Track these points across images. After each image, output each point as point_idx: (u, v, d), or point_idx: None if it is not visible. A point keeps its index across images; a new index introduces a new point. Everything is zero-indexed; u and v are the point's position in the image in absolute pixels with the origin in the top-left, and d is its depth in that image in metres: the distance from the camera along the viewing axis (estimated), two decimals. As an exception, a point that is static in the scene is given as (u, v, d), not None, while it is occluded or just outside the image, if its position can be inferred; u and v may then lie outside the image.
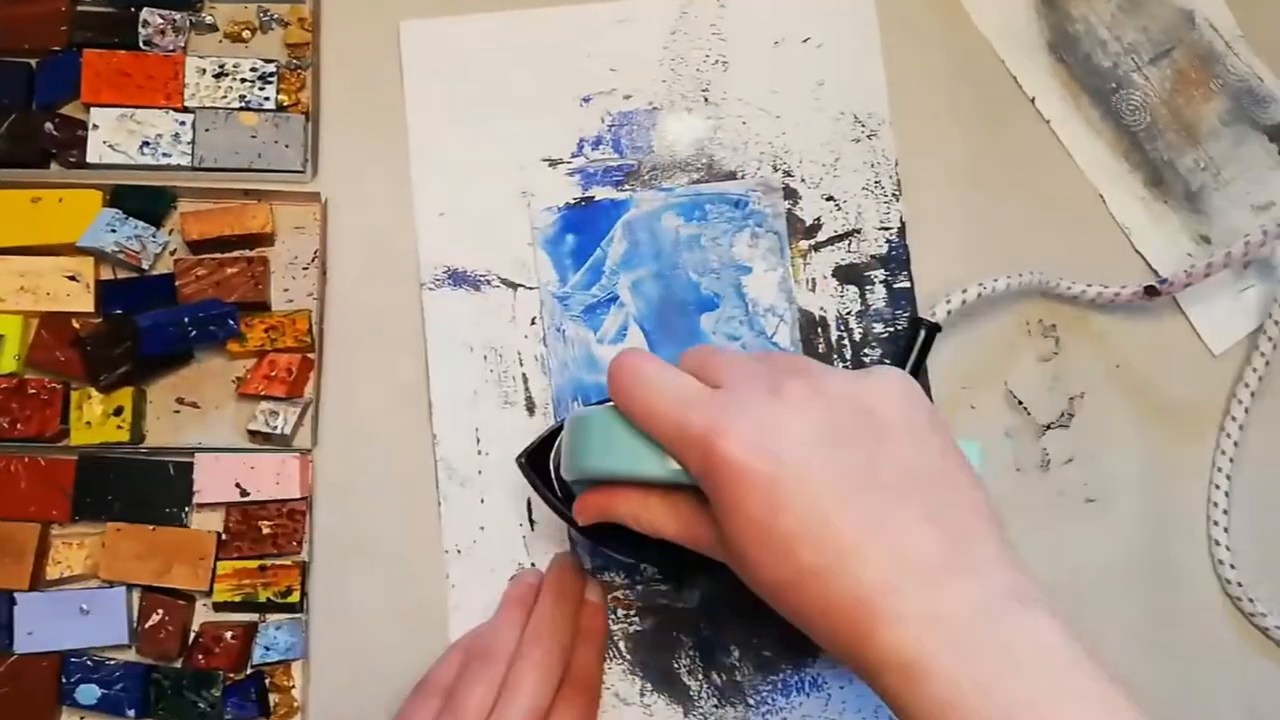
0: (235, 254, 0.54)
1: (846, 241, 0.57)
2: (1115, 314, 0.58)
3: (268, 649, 0.52)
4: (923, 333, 0.54)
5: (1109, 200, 0.58)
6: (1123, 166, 0.58)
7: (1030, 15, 0.59)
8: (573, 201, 0.56)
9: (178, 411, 0.53)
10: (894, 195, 0.57)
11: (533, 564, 0.54)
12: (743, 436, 0.35)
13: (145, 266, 0.54)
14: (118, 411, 0.52)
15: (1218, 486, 0.56)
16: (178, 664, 0.51)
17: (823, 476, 0.34)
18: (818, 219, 0.57)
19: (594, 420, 0.41)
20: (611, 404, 0.41)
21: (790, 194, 0.57)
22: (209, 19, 0.56)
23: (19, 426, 0.52)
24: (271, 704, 0.52)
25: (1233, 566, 0.56)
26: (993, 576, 0.34)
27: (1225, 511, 0.56)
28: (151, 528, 0.52)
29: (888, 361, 0.56)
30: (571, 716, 0.48)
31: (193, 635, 0.52)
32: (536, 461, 0.48)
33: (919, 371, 0.55)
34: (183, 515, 0.52)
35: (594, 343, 0.55)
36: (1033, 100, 0.58)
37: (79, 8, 0.56)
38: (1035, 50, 0.59)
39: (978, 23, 0.59)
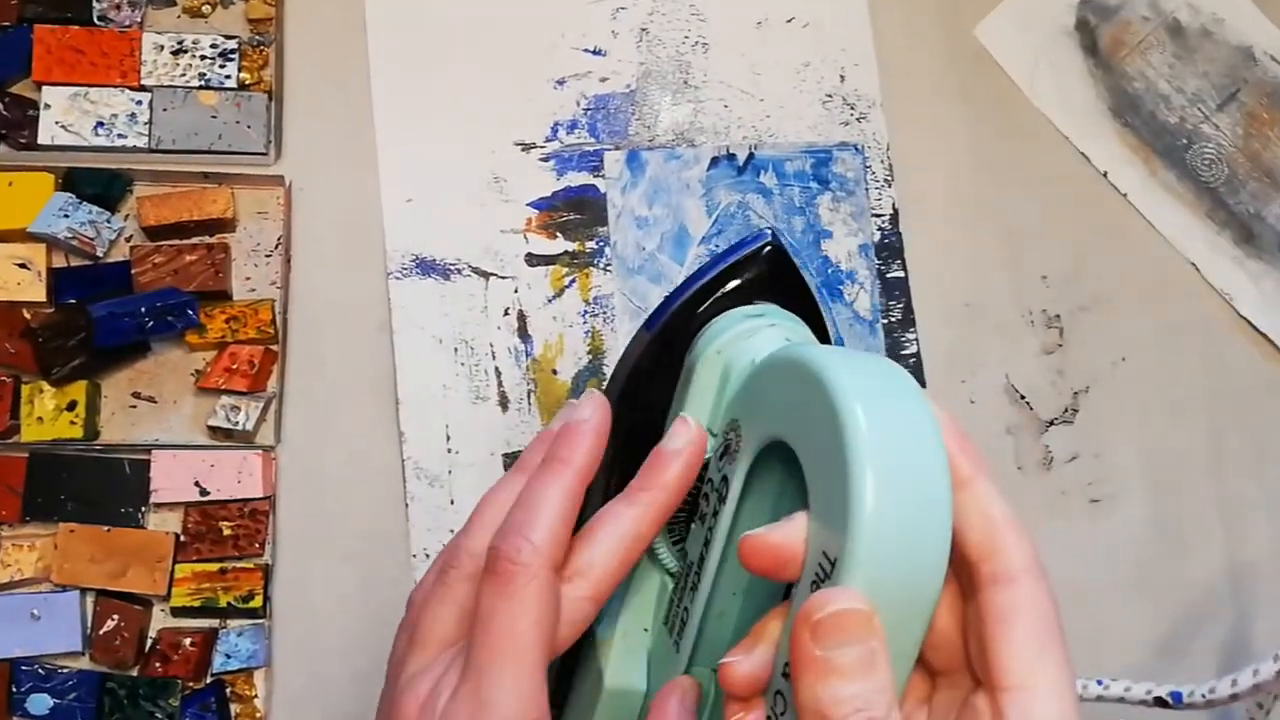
0: (194, 240, 0.53)
1: None
2: (1122, 304, 0.57)
3: (229, 656, 0.50)
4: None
5: (1203, 267, 0.57)
6: (1209, 228, 0.57)
7: (1086, 82, 0.57)
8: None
9: (134, 406, 0.52)
10: (886, 180, 0.56)
11: None
12: None
13: (100, 253, 0.52)
14: (71, 406, 0.51)
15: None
16: (134, 672, 0.50)
17: None
18: None
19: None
20: None
21: None
22: (167, -7, 0.55)
23: (-34, 422, 0.50)
24: (233, 714, 0.50)
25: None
26: None
27: None
28: (106, 529, 0.50)
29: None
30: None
31: (149, 642, 0.50)
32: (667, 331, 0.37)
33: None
34: (139, 516, 0.51)
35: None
36: (1105, 174, 0.57)
37: (30, -19, 0.54)
38: (1098, 118, 0.57)
39: (1036, 102, 0.57)
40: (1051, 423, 0.56)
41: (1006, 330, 0.56)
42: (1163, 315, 0.57)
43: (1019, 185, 0.57)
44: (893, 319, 0.55)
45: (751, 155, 0.55)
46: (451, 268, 0.54)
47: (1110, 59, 0.57)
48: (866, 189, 0.55)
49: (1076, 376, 0.56)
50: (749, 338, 0.35)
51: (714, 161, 0.55)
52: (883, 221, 0.56)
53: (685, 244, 0.54)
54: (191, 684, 0.50)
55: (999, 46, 0.57)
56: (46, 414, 0.50)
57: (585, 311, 0.54)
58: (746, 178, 0.55)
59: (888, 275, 0.55)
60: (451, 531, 0.52)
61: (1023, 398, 0.56)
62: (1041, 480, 0.55)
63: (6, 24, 0.53)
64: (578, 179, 0.55)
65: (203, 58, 0.54)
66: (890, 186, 0.56)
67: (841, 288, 0.54)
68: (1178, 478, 0.56)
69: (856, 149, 0.55)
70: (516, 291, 0.54)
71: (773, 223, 0.54)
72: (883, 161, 0.56)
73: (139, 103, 0.53)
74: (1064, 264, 0.57)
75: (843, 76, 0.57)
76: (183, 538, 0.51)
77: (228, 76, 0.54)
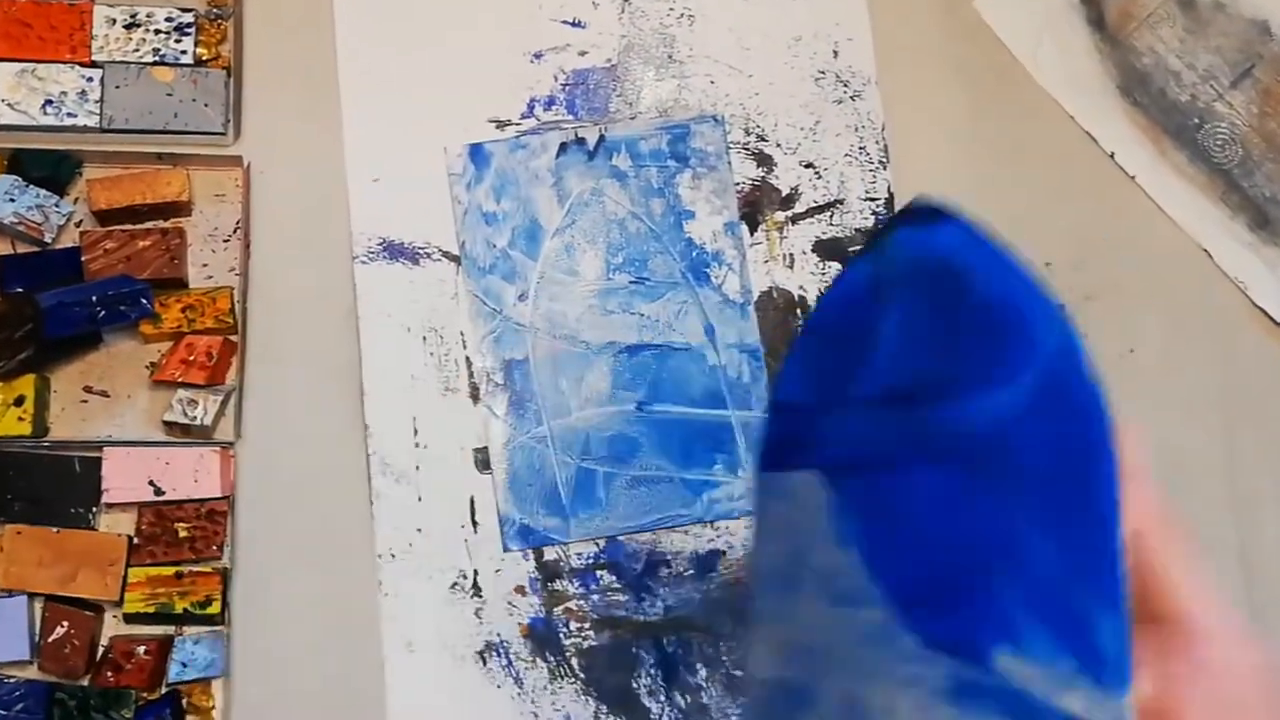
0: (148, 225, 0.52)
1: (828, 213, 0.55)
2: (1130, 292, 0.55)
3: (185, 665, 0.49)
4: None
5: (1215, 254, 0.55)
6: (1222, 212, 0.55)
7: (1094, 58, 0.56)
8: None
9: (85, 401, 0.51)
10: (880, 162, 0.55)
11: (475, 570, 0.51)
12: None
13: (48, 239, 0.52)
14: (19, 401, 0.50)
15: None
16: (84, 682, 0.49)
17: None
18: (795, 188, 0.55)
19: None
20: None
21: (764, 160, 0.55)
22: (120, -36, 0.54)
23: (-95, 417, 0.50)
24: (189, 726, 0.49)
25: None
26: None
27: None
28: (55, 530, 0.50)
29: None
30: None
31: (101, 650, 0.50)
32: None
33: None
34: (90, 516, 0.50)
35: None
36: (1112, 155, 0.56)
37: (-26, -49, 0.54)
38: (1105, 96, 0.56)
39: (1040, 79, 0.56)
40: (1055, 417, 0.54)
41: (1008, 320, 0.54)
42: (1173, 304, 0.55)
43: (1021, 167, 0.56)
44: (888, 308, 0.53)
45: (602, 138, 0.54)
46: (421, 252, 0.53)
47: (1118, 33, 0.56)
48: (729, 161, 0.54)
49: (1082, 369, 0.54)
50: None
51: (563, 148, 0.54)
52: (877, 206, 0.54)
53: (538, 237, 0.53)
54: (146, 694, 0.49)
55: (1000, 20, 0.56)
56: (-8, 409, 0.50)
57: (563, 300, 0.53)
58: (598, 162, 0.54)
59: (883, 262, 0.54)
60: (419, 531, 0.51)
61: (1025, 391, 0.54)
62: (1045, 478, 0.53)
63: (-52, -5, 0.52)
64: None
65: (157, 32, 0.53)
66: (885, 169, 0.55)
67: (708, 270, 0.53)
68: (1189, 475, 0.54)
69: (716, 120, 0.54)
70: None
71: (630, 207, 0.53)
72: (878, 142, 0.55)
73: (90, 80, 0.52)
74: (1069, 250, 0.55)
75: (836, 52, 0.55)
76: (136, 540, 0.50)
77: (184, 52, 0.53)
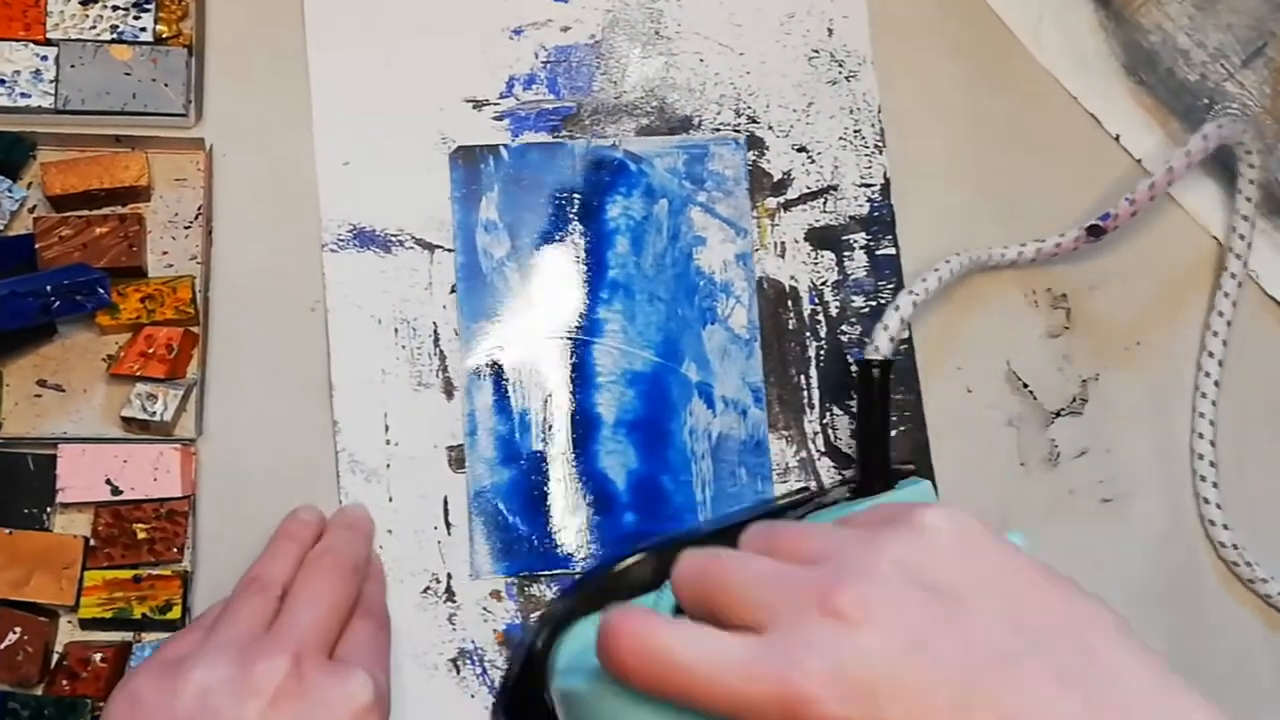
0: (105, 211, 0.51)
1: (821, 200, 0.54)
2: (1136, 282, 0.55)
3: None
4: (876, 373, 0.48)
5: (1226, 241, 0.54)
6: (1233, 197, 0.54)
7: (1098, 36, 0.55)
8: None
9: (39, 396, 0.50)
10: (876, 147, 0.54)
11: (449, 574, 0.50)
12: (829, 689, 0.32)
13: (0, 226, 0.51)
14: None
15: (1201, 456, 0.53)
16: (38, 691, 0.48)
17: (926, 689, 0.32)
18: (787, 173, 0.54)
19: (602, 703, 0.35)
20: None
21: (755, 144, 0.54)
22: (75, -65, 0.54)
23: None
24: (149, 737, 0.49)
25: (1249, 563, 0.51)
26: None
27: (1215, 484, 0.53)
28: (8, 531, 0.49)
29: (893, 418, 0.51)
30: (366, 634, 0.46)
31: (56, 657, 0.49)
32: (516, 703, 0.40)
33: (886, 415, 0.49)
34: (44, 517, 0.50)
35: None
36: (1117, 138, 0.55)
37: (-80, -78, 0.53)
38: (1109, 77, 0.55)
39: (1041, 58, 0.55)
40: (1058, 414, 0.53)
41: (1008, 311, 0.54)
42: (1181, 294, 0.55)
43: (1022, 150, 0.55)
44: (882, 301, 0.53)
45: (615, 149, 0.53)
46: (393, 239, 0.52)
47: (1123, 10, 0.55)
48: (749, 188, 0.53)
49: (1085, 362, 0.54)
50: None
51: (569, 158, 0.53)
52: (872, 193, 0.53)
53: (532, 250, 0.53)
54: (102, 704, 0.47)
55: (1001, -3, 0.55)
56: (-59, 404, 0.49)
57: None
58: (605, 176, 0.53)
59: (877, 252, 0.53)
60: (390, 532, 0.50)
61: (1026, 386, 0.54)
62: (1047, 477, 0.53)
63: (-107, -32, 0.52)
64: (535, 140, 0.53)
65: (115, 8, 0.52)
66: (881, 153, 0.54)
67: (715, 304, 0.52)
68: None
69: (737, 143, 0.53)
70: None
71: (636, 227, 0.53)
72: (873, 125, 0.54)
73: (44, 58, 0.51)
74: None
75: (830, 30, 0.54)
76: (93, 542, 0.49)
77: (143, 29, 0.52)
